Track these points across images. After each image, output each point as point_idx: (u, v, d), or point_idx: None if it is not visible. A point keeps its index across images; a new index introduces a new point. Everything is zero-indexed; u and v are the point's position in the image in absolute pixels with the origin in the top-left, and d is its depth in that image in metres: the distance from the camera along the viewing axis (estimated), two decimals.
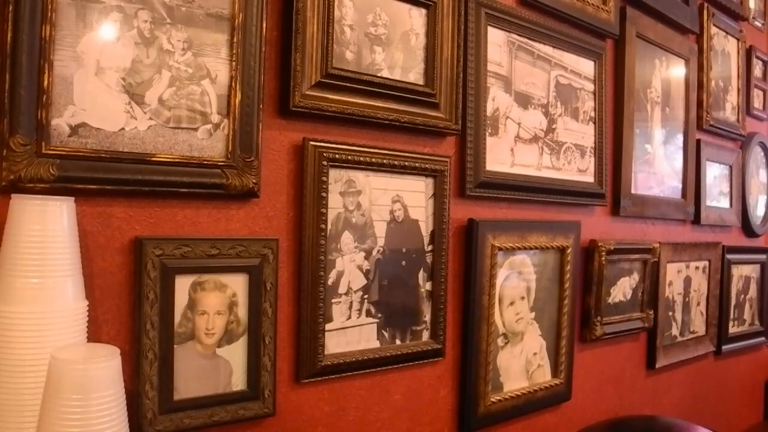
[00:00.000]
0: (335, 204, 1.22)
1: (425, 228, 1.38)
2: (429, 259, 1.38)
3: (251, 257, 1.09)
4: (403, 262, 1.34)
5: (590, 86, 1.80)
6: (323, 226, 1.19)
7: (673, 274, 2.20)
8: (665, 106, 2.15)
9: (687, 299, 2.28)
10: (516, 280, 1.59)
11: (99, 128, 0.94)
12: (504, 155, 1.56)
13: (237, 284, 1.08)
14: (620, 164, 1.92)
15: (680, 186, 2.23)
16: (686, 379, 2.34)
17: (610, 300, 1.87)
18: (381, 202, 1.30)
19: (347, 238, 1.24)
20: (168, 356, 1.01)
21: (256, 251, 1.10)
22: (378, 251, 1.29)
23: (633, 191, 1.98)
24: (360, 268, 1.26)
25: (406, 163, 1.32)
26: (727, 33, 2.47)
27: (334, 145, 1.20)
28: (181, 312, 1.03)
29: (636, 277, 1.97)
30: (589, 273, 1.81)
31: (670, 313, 2.20)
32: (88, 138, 0.93)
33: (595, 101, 1.81)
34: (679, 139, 2.22)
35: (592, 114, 1.81)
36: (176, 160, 1.01)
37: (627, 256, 1.91)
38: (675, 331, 2.23)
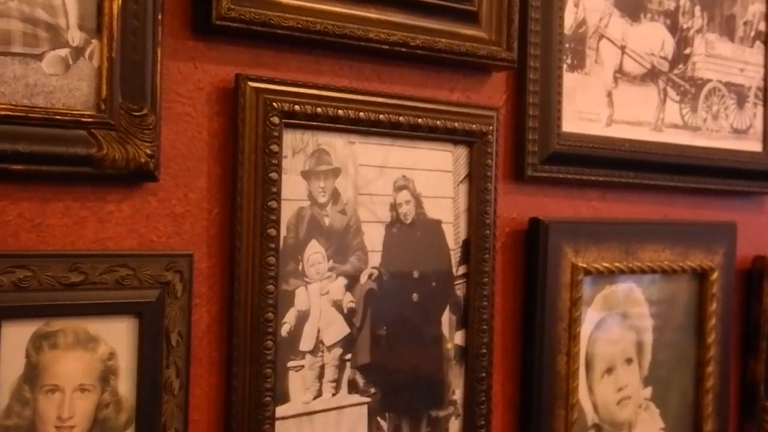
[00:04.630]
0: (295, 192, 1.23)
1: (453, 235, 1.40)
2: (460, 290, 1.40)
3: (143, 288, 1.10)
4: (415, 296, 1.35)
5: None
6: (273, 231, 1.19)
7: None
8: None
9: None
10: (617, 328, 1.61)
11: None
12: (596, 105, 1.58)
13: (117, 336, 1.09)
14: None
15: None
16: None
17: None
18: (375, 188, 1.31)
19: (315, 253, 1.25)
20: None
21: (151, 277, 1.10)
22: (370, 276, 1.30)
23: None
24: (338, 305, 1.27)
25: (420, 120, 1.33)
26: None
27: (291, 88, 1.20)
28: (12, 388, 1.01)
29: None
30: (754, 317, 1.85)
31: None
32: None
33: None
34: None
35: (762, 27, 1.82)
36: (2, 113, 0.98)
37: None
38: None
